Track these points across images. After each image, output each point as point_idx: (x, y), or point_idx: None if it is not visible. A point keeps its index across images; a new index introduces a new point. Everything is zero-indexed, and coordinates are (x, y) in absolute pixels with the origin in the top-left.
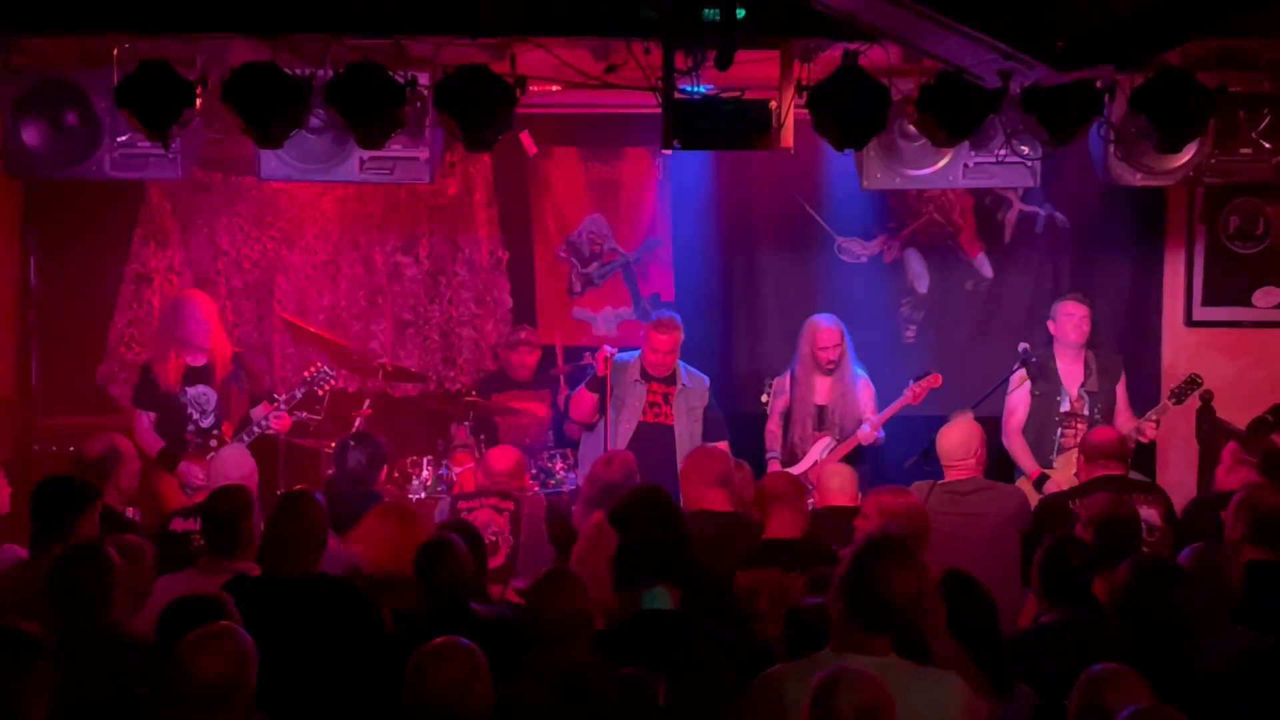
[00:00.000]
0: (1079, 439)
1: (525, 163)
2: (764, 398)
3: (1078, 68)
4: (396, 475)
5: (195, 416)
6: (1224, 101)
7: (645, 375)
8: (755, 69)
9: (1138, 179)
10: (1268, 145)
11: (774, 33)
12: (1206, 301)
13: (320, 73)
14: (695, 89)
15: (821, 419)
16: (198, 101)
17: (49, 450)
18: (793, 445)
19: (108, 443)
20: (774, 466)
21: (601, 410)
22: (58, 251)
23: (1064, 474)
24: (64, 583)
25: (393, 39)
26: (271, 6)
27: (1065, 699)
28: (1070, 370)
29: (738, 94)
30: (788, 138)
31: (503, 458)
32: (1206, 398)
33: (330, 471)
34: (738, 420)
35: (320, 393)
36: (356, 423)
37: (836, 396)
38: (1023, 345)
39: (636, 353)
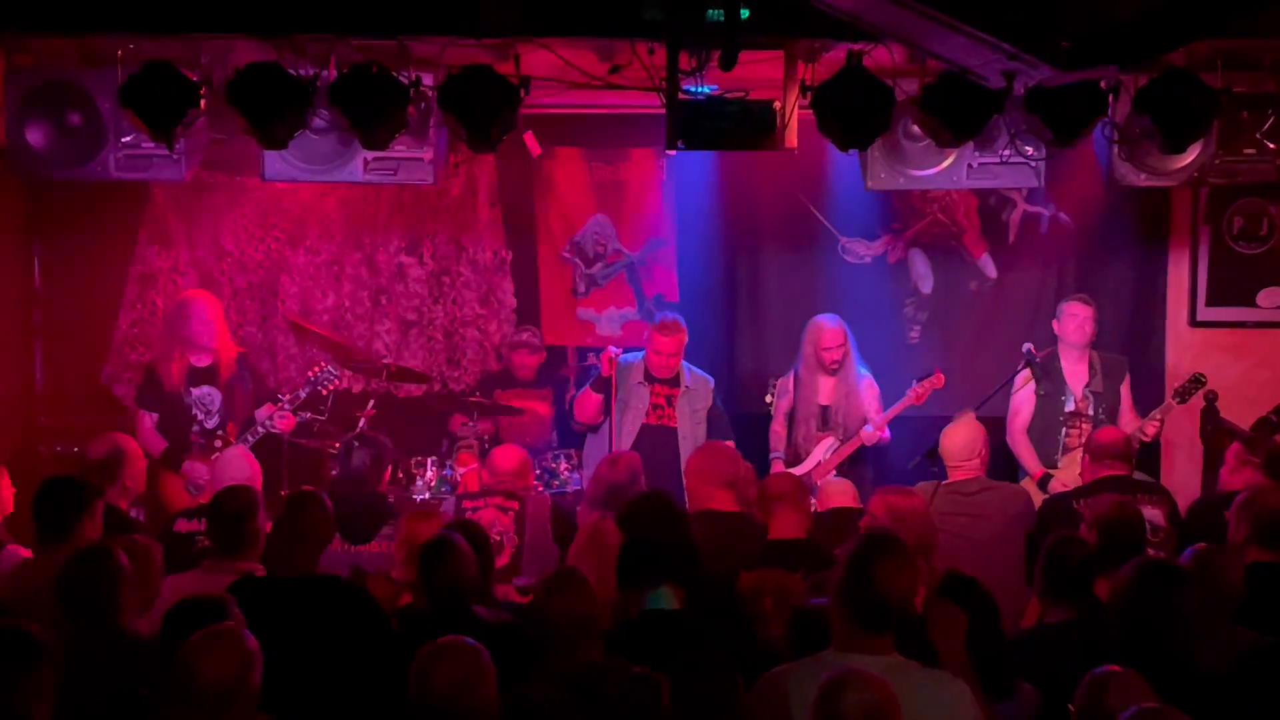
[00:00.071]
0: (1083, 439)
1: (529, 163)
2: (768, 398)
3: (1082, 68)
4: (401, 476)
5: (200, 417)
6: (1228, 102)
7: (648, 377)
8: (759, 69)
9: (1142, 179)
10: (1272, 146)
11: (778, 33)
12: (1211, 302)
13: (324, 73)
14: (699, 89)
15: (825, 419)
16: (202, 102)
17: (53, 450)
18: (796, 445)
19: (112, 443)
20: (777, 467)
21: (606, 411)
22: (62, 252)
23: (1069, 474)
24: (74, 585)
25: (397, 40)
26: (276, 7)
27: (1068, 699)
28: (1075, 370)
29: (742, 94)
30: (792, 138)
31: (508, 457)
32: (1211, 398)
33: (334, 472)
34: (741, 421)
35: (324, 393)
36: (361, 423)
37: (840, 397)
38: (1027, 345)
39: (641, 353)
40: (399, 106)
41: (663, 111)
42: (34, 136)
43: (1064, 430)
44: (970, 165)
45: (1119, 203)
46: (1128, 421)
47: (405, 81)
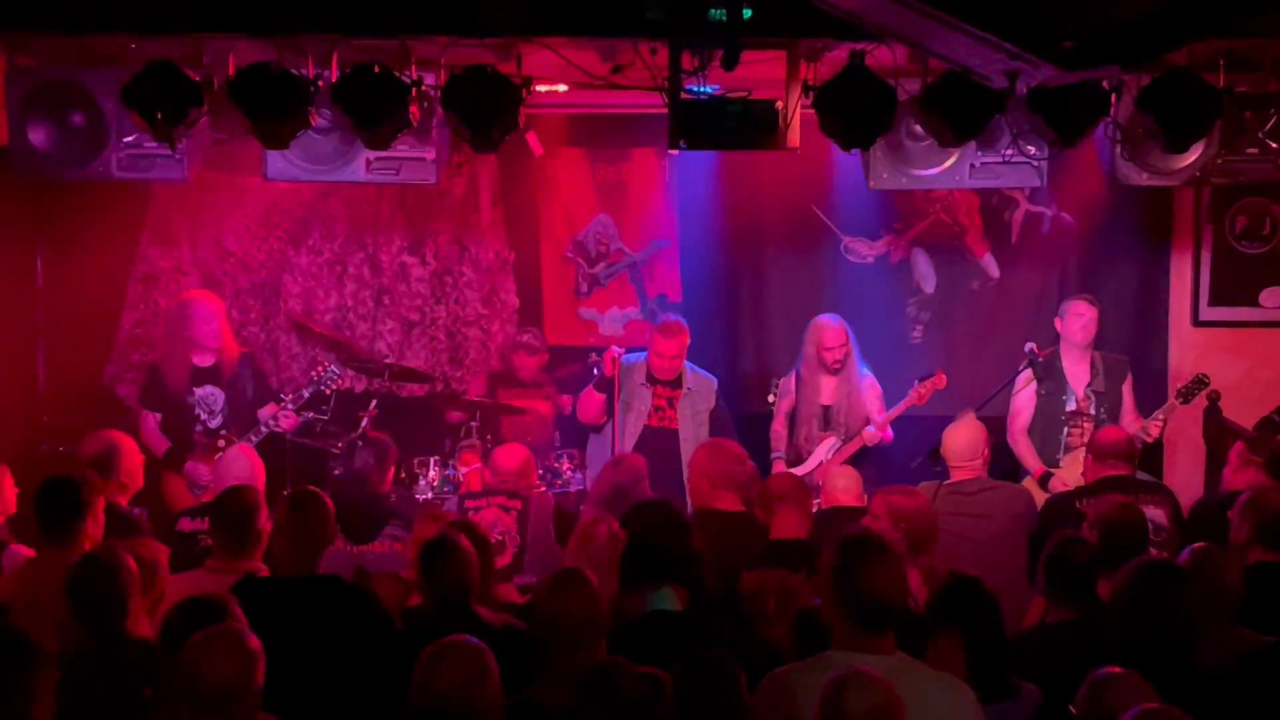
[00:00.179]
0: (1085, 438)
1: (532, 163)
2: (770, 398)
3: (1084, 68)
4: (403, 475)
5: (203, 417)
6: (1230, 102)
7: (650, 379)
8: (761, 69)
9: (1144, 179)
10: (1274, 145)
11: (780, 33)
12: (1213, 301)
13: (326, 73)
14: (701, 89)
15: (827, 419)
16: (204, 102)
17: (56, 450)
18: (798, 445)
19: (106, 439)
20: (779, 467)
21: (609, 411)
22: (64, 252)
23: (1070, 473)
24: (82, 588)
25: (399, 39)
26: (278, 7)
27: (1070, 699)
28: (1076, 370)
29: (744, 94)
30: (794, 138)
31: (511, 456)
32: (1214, 398)
33: (337, 471)
34: (744, 421)
35: (327, 393)
36: (363, 423)
37: (842, 397)
38: (1029, 345)
39: (644, 354)
40: (401, 106)
41: (665, 111)
42: (36, 137)
43: (1065, 429)
44: (973, 165)
45: (1121, 202)
46: (1130, 421)
47: (407, 81)
